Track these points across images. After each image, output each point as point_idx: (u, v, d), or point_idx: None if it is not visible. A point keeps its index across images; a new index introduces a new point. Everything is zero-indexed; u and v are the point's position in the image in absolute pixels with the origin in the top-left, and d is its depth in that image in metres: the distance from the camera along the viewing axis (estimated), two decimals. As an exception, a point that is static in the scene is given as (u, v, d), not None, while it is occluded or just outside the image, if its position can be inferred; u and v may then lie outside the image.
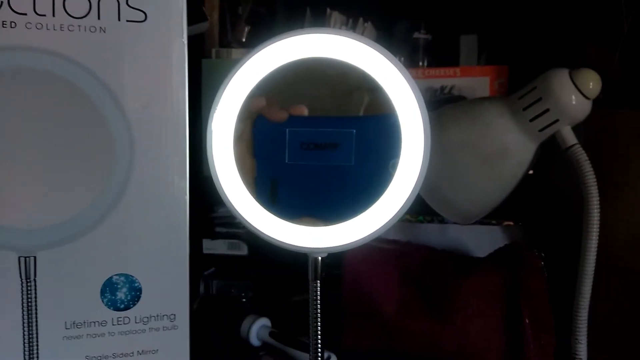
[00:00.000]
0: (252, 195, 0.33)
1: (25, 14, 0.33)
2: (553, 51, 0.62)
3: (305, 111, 0.33)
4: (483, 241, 0.55)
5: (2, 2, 0.32)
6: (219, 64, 0.65)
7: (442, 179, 0.46)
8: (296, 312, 0.55)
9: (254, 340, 0.51)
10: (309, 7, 0.71)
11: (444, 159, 0.45)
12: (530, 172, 0.46)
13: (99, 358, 0.36)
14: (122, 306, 0.36)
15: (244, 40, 0.73)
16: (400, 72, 0.32)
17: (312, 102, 0.33)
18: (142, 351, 0.36)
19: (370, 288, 0.50)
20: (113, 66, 0.35)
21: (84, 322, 0.35)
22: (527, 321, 0.46)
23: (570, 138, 0.43)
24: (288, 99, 0.33)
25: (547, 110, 0.43)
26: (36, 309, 0.34)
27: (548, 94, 0.43)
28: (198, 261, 0.59)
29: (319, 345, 0.34)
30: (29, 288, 0.34)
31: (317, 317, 0.34)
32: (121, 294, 0.36)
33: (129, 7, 0.35)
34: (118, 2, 0.34)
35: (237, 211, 0.33)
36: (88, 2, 0.34)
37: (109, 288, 0.35)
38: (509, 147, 0.44)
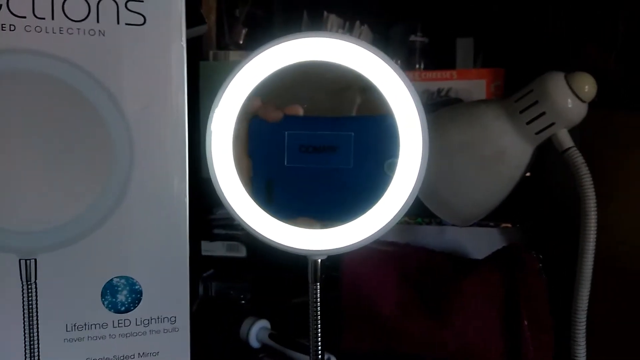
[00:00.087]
0: (249, 195, 0.33)
1: (25, 17, 0.33)
2: (549, 54, 0.62)
3: (300, 111, 0.33)
4: (481, 243, 0.56)
5: (1, 4, 0.32)
6: (217, 66, 0.66)
7: (440, 182, 0.46)
8: (295, 314, 0.55)
9: (254, 342, 0.52)
10: (306, 9, 0.71)
11: (441, 161, 0.45)
12: (528, 174, 0.46)
13: (99, 360, 0.36)
14: (123, 308, 0.36)
15: (241, 42, 0.73)
16: (398, 75, 0.32)
17: (306, 101, 0.33)
18: (143, 353, 0.36)
19: (369, 290, 0.50)
20: (112, 69, 0.35)
21: (85, 325, 0.35)
22: (526, 322, 0.46)
23: (566, 141, 0.43)
24: (282, 98, 0.33)
25: (544, 113, 0.43)
26: (37, 312, 0.34)
27: (544, 97, 0.43)
28: (197, 263, 0.59)
29: (319, 348, 0.34)
30: (29, 290, 0.34)
31: (317, 319, 0.34)
32: (122, 296, 0.36)
33: (128, 11, 0.35)
34: (117, 5, 0.34)
35: (236, 213, 0.33)
36: (87, 5, 0.34)
37: (109, 290, 0.35)
38: (506, 150, 0.45)
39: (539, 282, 0.48)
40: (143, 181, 0.35)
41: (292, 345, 0.49)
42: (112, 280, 0.35)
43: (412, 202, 0.32)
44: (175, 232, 0.36)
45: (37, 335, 0.34)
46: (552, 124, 0.43)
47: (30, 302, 0.34)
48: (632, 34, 0.52)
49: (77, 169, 0.34)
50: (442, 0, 0.73)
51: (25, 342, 0.34)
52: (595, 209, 0.41)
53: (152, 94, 0.35)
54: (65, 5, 0.34)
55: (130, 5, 0.35)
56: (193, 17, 0.55)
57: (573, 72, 0.43)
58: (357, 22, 0.71)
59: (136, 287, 0.36)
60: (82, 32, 0.34)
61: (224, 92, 0.33)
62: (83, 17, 0.34)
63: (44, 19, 0.33)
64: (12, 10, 0.33)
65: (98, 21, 0.34)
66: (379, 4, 0.75)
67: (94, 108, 0.34)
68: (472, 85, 0.64)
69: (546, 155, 0.47)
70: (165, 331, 0.37)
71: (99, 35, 0.34)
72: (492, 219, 0.55)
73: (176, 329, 0.37)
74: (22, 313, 0.34)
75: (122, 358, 0.36)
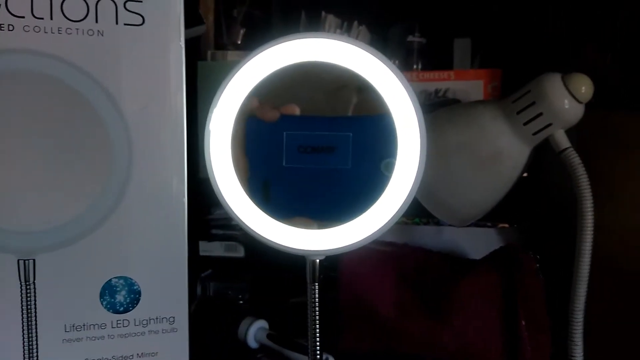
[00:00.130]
0: (247, 195, 0.33)
1: (23, 17, 0.33)
2: (546, 55, 0.63)
3: (297, 110, 0.33)
4: (478, 243, 0.56)
5: (0, 4, 0.32)
6: (215, 66, 0.66)
7: (438, 182, 0.46)
8: (293, 314, 0.55)
9: (252, 343, 0.52)
10: (304, 10, 0.72)
11: (439, 161, 0.45)
12: (525, 174, 0.47)
13: (98, 361, 0.36)
14: (122, 309, 0.36)
15: (239, 42, 0.73)
16: (396, 75, 0.32)
17: (302, 101, 0.33)
18: (142, 354, 0.36)
19: (367, 290, 0.50)
20: (111, 69, 0.35)
21: (84, 325, 0.35)
22: (524, 323, 0.46)
23: (563, 141, 0.44)
24: (278, 98, 0.33)
25: (541, 114, 0.43)
26: (35, 312, 0.34)
27: (541, 98, 0.43)
28: (195, 263, 0.59)
29: (318, 348, 0.34)
30: (28, 291, 0.34)
31: (315, 320, 0.34)
32: (120, 296, 0.36)
33: (126, 11, 0.35)
34: (116, 5, 0.34)
35: (234, 214, 0.33)
36: (86, 5, 0.34)
37: (108, 291, 0.35)
38: (503, 150, 0.45)
39: (536, 283, 0.48)
40: (142, 181, 0.35)
41: (290, 345, 0.49)
42: (110, 280, 0.35)
43: (410, 202, 0.33)
44: (174, 233, 0.36)
45: (36, 336, 0.34)
46: (549, 124, 0.43)
47: (28, 303, 0.34)
48: (629, 35, 0.52)
49: (75, 169, 0.34)
50: (440, 1, 0.74)
51: (23, 342, 0.34)
52: (592, 209, 0.42)
53: (150, 94, 0.35)
54: (64, 5, 0.34)
55: (129, 5, 0.35)
56: (191, 17, 0.55)
57: (570, 73, 0.43)
58: (355, 23, 0.71)
59: (135, 287, 0.36)
60: (81, 32, 0.34)
61: (222, 91, 0.33)
62: (82, 17, 0.34)
63: (42, 19, 0.33)
64: (10, 10, 0.33)
65: (97, 21, 0.34)
66: (377, 5, 0.75)
67: (93, 108, 0.34)
68: (470, 85, 0.64)
69: (543, 156, 0.47)
70: (164, 331, 0.37)
71: (98, 35, 0.34)
72: (489, 219, 0.56)
73: (175, 330, 0.37)
74: (21, 313, 0.34)
75: (120, 358, 0.36)
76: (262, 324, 0.52)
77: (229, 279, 0.61)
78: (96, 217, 0.35)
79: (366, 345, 0.50)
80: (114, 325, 0.36)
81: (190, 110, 0.37)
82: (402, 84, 0.32)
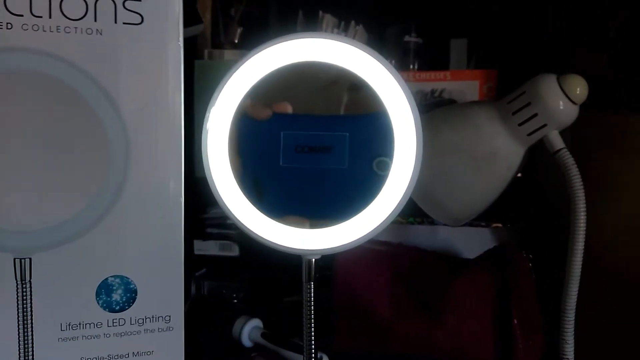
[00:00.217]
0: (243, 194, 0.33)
1: (22, 15, 0.33)
2: (541, 56, 0.63)
3: (289, 108, 0.33)
4: (472, 243, 0.56)
5: None
6: (212, 65, 0.65)
7: (433, 182, 0.46)
8: (288, 313, 0.56)
9: (246, 341, 0.52)
10: (301, 9, 0.72)
11: (434, 161, 0.45)
12: (519, 175, 0.47)
13: (94, 360, 0.36)
14: (118, 308, 0.36)
15: (236, 41, 0.73)
16: (393, 75, 0.33)
17: (293, 98, 0.33)
18: (137, 353, 0.36)
19: (362, 289, 0.50)
20: (109, 68, 0.34)
21: (79, 324, 0.35)
22: (516, 322, 0.46)
23: (557, 142, 0.44)
24: (270, 96, 0.33)
25: (536, 114, 0.44)
26: (31, 311, 0.34)
27: (536, 99, 0.43)
28: (189, 262, 0.59)
29: (313, 347, 0.34)
30: (24, 290, 0.34)
31: (310, 319, 0.34)
32: (116, 295, 0.36)
33: (125, 10, 0.35)
34: (115, 4, 0.34)
35: (231, 213, 0.33)
36: (85, 4, 0.34)
37: (104, 290, 0.35)
38: (498, 151, 0.45)
39: (529, 282, 0.48)
40: (139, 181, 0.35)
41: (285, 344, 0.50)
42: (107, 279, 0.35)
43: (406, 201, 0.33)
44: (171, 232, 0.36)
45: (32, 335, 0.34)
46: (544, 125, 0.44)
47: (24, 301, 0.34)
48: (624, 36, 0.52)
49: (73, 168, 0.34)
50: (437, 1, 0.74)
51: (19, 341, 0.34)
52: (585, 209, 0.42)
53: (148, 94, 0.35)
54: (62, 4, 0.33)
55: (128, 4, 0.35)
56: (190, 16, 0.55)
57: (565, 75, 0.44)
58: (352, 22, 0.71)
59: (131, 286, 0.36)
60: (80, 31, 0.34)
61: (220, 91, 0.33)
62: (80, 16, 0.34)
63: (41, 17, 0.33)
64: (9, 8, 0.32)
65: (95, 20, 0.34)
66: (374, 5, 0.75)
67: (91, 107, 0.34)
68: (466, 86, 0.65)
69: (537, 157, 0.47)
70: (160, 330, 0.37)
71: (97, 34, 0.34)
72: (483, 219, 0.56)
73: (170, 328, 0.37)
74: (17, 312, 0.34)
75: (116, 357, 0.36)
76: (256, 322, 0.52)
77: (224, 277, 0.61)
78: (93, 216, 0.35)
79: (360, 344, 0.50)
80: (110, 324, 0.36)
81: (187, 109, 0.37)
82: (399, 84, 0.32)
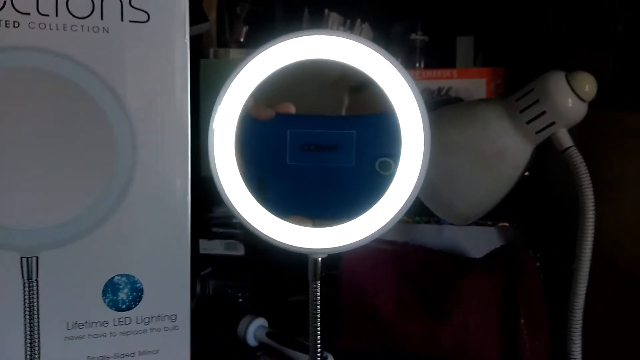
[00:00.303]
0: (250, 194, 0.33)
1: (29, 14, 0.33)
2: (549, 53, 0.63)
3: (292, 109, 0.33)
4: (479, 242, 0.56)
5: (5, 1, 0.32)
6: (217, 64, 0.65)
7: (439, 181, 0.46)
8: (293, 313, 0.55)
9: (251, 341, 0.52)
10: (307, 7, 0.71)
11: (441, 160, 0.45)
12: (527, 173, 0.47)
13: (100, 358, 0.36)
14: (124, 306, 0.36)
15: (242, 40, 0.73)
16: (400, 73, 0.32)
17: (295, 98, 0.33)
18: (143, 351, 0.36)
19: (368, 288, 0.50)
20: (116, 66, 0.34)
21: (86, 323, 0.35)
22: (523, 321, 0.46)
23: (566, 140, 0.44)
24: (271, 95, 0.33)
25: (544, 112, 0.43)
26: (38, 309, 0.34)
27: (545, 97, 0.43)
28: (195, 261, 0.59)
29: (319, 346, 0.34)
30: (31, 288, 0.34)
31: (317, 318, 0.34)
32: (123, 294, 0.36)
33: (132, 8, 0.35)
34: (121, 2, 0.34)
35: (238, 212, 0.33)
36: (91, 2, 0.34)
37: (110, 288, 0.35)
38: (506, 149, 0.45)
39: (536, 281, 0.48)
40: (145, 179, 0.35)
41: (290, 343, 0.49)
42: (113, 278, 0.35)
43: (412, 201, 0.33)
44: (177, 231, 0.36)
45: (38, 333, 0.34)
46: (552, 123, 0.43)
47: (31, 300, 0.34)
48: (631, 34, 0.52)
49: (80, 167, 0.34)
50: (443, -2, 0.74)
51: (26, 340, 0.34)
52: (594, 208, 0.42)
53: (155, 92, 0.35)
54: (69, 2, 0.34)
55: (135, 2, 0.35)
56: (196, 14, 0.54)
57: (574, 72, 0.43)
58: (358, 20, 0.71)
59: (137, 285, 0.36)
60: (86, 29, 0.34)
61: (227, 90, 0.33)
62: (87, 14, 0.34)
63: (48, 15, 0.33)
64: (16, 7, 0.33)
65: (102, 18, 0.34)
66: (379, 3, 0.75)
67: (97, 105, 0.34)
68: (472, 84, 0.64)
69: (545, 155, 0.47)
70: (166, 329, 0.37)
71: (103, 32, 0.34)
72: (490, 218, 0.56)
73: (177, 327, 0.37)
74: (23, 311, 0.34)
75: (122, 356, 0.36)
76: (261, 322, 0.52)
77: (229, 277, 0.61)
78: (99, 214, 0.35)
79: (365, 343, 0.50)
80: (116, 322, 0.36)
81: (193, 109, 0.37)
82: (407, 82, 0.32)
